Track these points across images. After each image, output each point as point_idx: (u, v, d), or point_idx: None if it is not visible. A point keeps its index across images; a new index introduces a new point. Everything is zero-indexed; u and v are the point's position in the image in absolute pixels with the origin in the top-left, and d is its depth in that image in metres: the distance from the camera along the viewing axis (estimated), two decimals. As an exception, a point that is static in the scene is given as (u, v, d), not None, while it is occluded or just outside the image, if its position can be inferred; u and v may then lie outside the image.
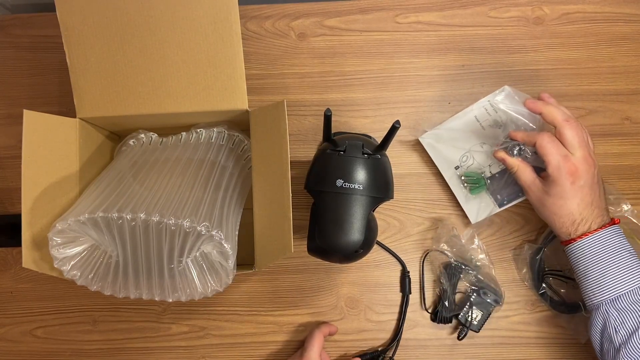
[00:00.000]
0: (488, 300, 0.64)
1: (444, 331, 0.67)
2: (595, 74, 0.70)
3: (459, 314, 0.65)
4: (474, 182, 0.66)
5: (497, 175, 0.66)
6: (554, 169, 0.55)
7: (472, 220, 0.66)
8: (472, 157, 0.67)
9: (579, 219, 0.55)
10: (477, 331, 0.64)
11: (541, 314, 0.67)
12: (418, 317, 0.67)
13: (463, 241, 0.66)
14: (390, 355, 0.66)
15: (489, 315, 0.64)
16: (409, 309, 0.67)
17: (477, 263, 0.66)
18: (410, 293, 0.67)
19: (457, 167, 0.67)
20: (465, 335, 0.65)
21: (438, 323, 0.66)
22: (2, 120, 0.71)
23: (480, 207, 0.66)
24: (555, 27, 0.71)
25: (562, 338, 0.66)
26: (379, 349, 0.66)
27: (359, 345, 0.67)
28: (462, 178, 0.67)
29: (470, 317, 0.64)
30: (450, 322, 0.66)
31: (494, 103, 0.67)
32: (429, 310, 0.67)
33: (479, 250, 0.66)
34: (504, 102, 0.64)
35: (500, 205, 0.66)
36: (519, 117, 0.61)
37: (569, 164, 0.54)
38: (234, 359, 0.68)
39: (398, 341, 0.66)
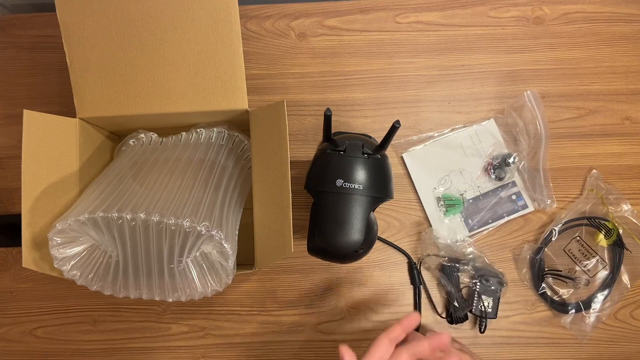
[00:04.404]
0: (492, 285, 0.64)
1: (449, 329, 0.67)
2: (595, 74, 0.70)
3: (472, 309, 0.65)
4: (451, 204, 0.67)
5: (471, 200, 0.68)
6: None
7: (442, 241, 0.67)
8: (450, 181, 0.68)
9: None
10: (495, 317, 0.64)
11: (541, 314, 0.67)
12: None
13: (448, 241, 0.66)
14: None
15: (499, 298, 0.64)
16: (408, 310, 0.67)
17: (470, 256, 0.66)
18: (420, 284, 0.67)
19: (434, 189, 0.68)
20: (486, 325, 0.65)
21: (455, 324, 0.66)
22: (2, 120, 0.71)
23: (450, 229, 0.67)
24: (555, 27, 0.71)
25: (562, 338, 0.66)
26: None
27: (360, 345, 0.67)
28: (441, 198, 0.68)
29: (483, 306, 0.64)
30: (467, 319, 0.66)
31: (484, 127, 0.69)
32: (443, 315, 0.67)
33: (465, 244, 0.66)
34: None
35: (470, 230, 0.67)
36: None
37: None
38: (234, 359, 0.68)
39: None
